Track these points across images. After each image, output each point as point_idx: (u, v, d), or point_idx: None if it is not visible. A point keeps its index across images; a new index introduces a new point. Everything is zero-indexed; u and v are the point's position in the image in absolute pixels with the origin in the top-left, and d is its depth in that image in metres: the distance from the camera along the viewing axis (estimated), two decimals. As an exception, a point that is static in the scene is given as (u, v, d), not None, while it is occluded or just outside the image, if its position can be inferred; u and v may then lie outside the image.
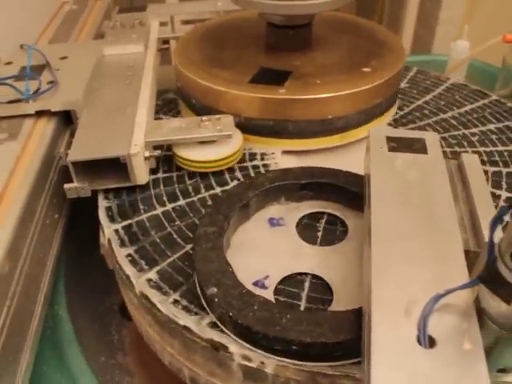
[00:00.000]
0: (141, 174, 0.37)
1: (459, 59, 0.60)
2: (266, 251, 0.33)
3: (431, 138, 0.32)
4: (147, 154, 0.37)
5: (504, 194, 0.37)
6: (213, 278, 0.28)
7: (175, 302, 0.30)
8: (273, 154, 0.42)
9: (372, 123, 0.43)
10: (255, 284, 0.30)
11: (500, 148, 0.42)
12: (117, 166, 0.37)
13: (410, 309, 0.21)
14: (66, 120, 0.43)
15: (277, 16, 0.45)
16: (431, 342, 0.20)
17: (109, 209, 0.37)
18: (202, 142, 0.39)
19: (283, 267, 0.31)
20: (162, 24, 0.56)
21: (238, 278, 0.28)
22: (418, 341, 0.20)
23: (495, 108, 0.48)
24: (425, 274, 0.23)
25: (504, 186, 0.38)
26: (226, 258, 0.29)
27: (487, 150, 0.42)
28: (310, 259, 0.32)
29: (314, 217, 0.36)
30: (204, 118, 0.39)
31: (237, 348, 0.27)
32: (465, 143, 0.43)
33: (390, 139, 0.32)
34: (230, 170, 0.40)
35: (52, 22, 0.59)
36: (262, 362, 0.26)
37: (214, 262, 0.29)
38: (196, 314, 0.29)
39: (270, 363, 0.26)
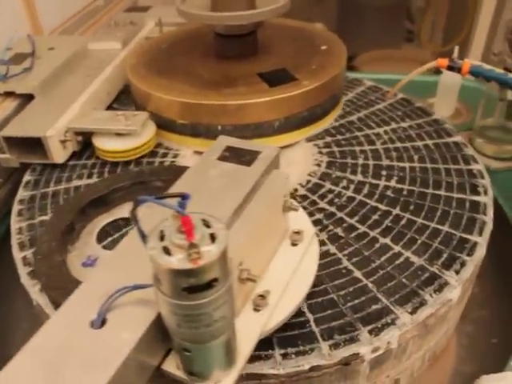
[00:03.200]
0: (57, 154, 0.43)
1: (448, 82, 0.57)
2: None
3: (268, 153, 0.33)
4: (62, 137, 0.43)
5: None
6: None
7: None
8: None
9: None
10: None
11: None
12: (42, 145, 0.43)
13: (103, 296, 0.24)
14: (32, 102, 0.50)
15: (227, 26, 0.47)
16: (102, 326, 0.23)
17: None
18: (119, 134, 0.44)
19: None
20: (157, 25, 0.61)
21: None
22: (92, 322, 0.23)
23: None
24: (145, 269, 0.25)
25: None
26: None
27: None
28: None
29: (106, 234, 0.37)
30: (119, 112, 0.44)
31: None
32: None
33: (228, 149, 0.33)
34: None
35: (77, 14, 0.67)
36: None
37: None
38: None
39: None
